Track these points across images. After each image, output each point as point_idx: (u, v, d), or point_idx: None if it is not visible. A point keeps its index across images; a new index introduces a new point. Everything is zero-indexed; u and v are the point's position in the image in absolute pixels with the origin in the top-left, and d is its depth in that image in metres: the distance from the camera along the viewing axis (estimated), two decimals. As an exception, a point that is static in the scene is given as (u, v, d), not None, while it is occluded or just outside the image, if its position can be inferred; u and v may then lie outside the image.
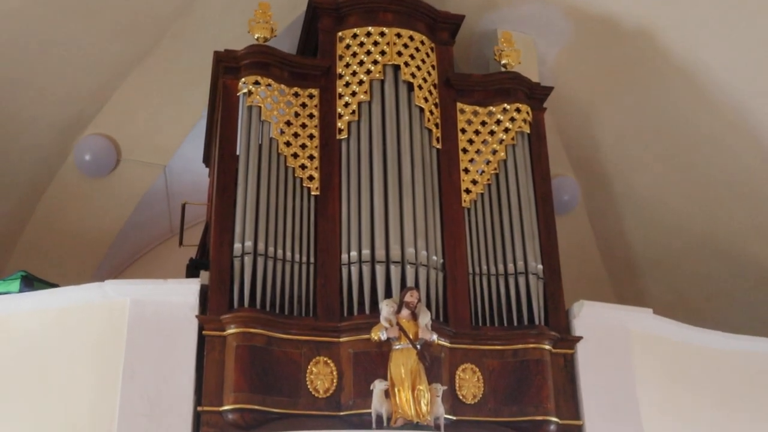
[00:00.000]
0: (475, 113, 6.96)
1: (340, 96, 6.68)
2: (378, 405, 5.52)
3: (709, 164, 7.90)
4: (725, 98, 7.41)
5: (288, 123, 6.52)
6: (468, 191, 6.77)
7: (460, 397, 6.06)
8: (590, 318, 6.46)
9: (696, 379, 6.69)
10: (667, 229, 8.50)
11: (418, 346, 5.59)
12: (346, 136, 6.58)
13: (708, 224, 8.22)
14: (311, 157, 6.50)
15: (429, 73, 6.90)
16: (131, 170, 8.21)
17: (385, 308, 5.73)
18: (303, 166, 6.51)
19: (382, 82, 6.72)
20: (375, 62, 6.73)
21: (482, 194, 6.79)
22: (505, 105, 6.98)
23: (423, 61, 6.88)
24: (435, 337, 5.78)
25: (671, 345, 6.69)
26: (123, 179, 8.23)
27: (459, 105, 6.95)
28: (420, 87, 6.77)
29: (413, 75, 6.77)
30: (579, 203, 9.05)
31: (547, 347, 6.30)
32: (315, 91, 6.66)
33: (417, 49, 6.86)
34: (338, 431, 5.68)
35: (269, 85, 6.54)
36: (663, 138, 8.06)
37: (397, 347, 5.62)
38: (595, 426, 6.19)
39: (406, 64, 6.77)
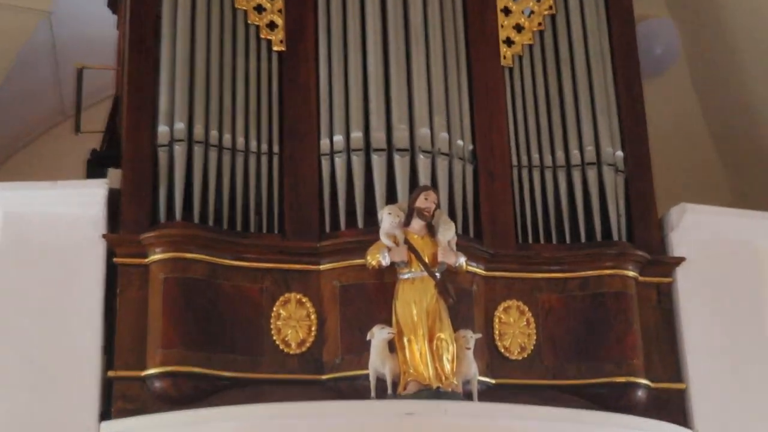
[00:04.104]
0: None
1: None
2: (378, 363, 4.51)
3: None
4: None
5: (236, -60, 5.45)
6: (510, 42, 5.45)
7: (502, 350, 4.95)
8: (697, 229, 5.25)
9: None
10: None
11: (438, 275, 4.55)
12: (324, -41, 5.52)
13: None
14: (272, -7, 5.44)
15: None
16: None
17: (387, 219, 4.68)
18: (259, 8, 5.23)
19: None
20: None
21: (531, 46, 5.48)
22: None
23: None
24: (463, 260, 4.68)
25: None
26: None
27: None
28: None
29: None
30: (680, 58, 7.38)
31: (632, 274, 5.07)
32: None
33: None
34: (320, 402, 4.53)
35: None
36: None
37: (406, 276, 4.57)
38: (706, 391, 4.96)
39: None
